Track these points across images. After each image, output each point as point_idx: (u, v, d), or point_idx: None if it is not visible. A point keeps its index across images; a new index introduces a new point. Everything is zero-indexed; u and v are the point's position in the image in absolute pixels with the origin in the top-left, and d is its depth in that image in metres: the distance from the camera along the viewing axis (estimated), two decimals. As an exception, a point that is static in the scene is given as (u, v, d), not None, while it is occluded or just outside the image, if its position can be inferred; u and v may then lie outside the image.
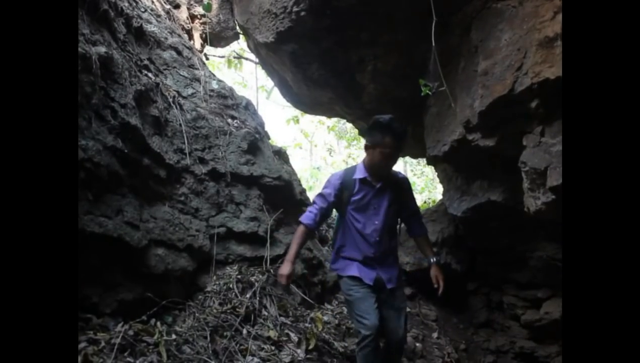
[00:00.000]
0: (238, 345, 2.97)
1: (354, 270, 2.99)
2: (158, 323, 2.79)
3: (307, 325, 3.61)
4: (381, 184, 3.04)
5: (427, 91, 3.96)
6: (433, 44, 3.56)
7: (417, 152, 6.22)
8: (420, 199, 10.76)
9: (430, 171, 10.78)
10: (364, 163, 3.07)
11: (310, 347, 3.32)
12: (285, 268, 2.89)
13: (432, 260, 3.15)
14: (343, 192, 3.03)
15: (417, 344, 4.50)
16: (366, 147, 3.04)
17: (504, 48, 3.39)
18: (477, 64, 3.70)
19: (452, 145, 4.12)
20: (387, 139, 2.90)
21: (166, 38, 4.77)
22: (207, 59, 6.76)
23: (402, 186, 3.20)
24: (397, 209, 3.14)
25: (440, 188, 5.73)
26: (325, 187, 3.11)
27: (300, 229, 3.02)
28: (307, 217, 3.03)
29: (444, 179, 5.20)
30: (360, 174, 3.03)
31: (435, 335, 4.82)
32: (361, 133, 3.32)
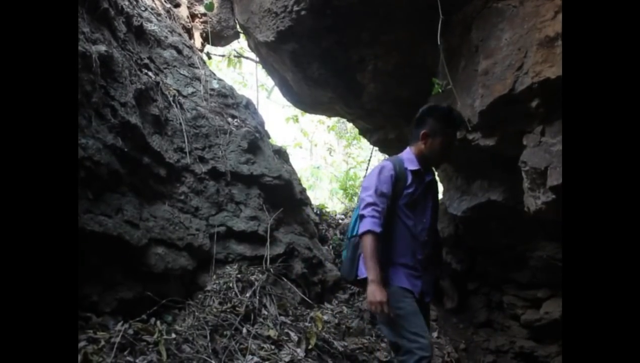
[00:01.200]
0: (238, 344, 2.97)
1: (403, 280, 2.64)
2: (158, 322, 2.79)
3: (307, 324, 3.61)
4: (430, 178, 2.85)
5: (439, 89, 3.94)
6: (439, 42, 3.55)
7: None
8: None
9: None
10: (415, 153, 2.81)
11: (310, 346, 3.32)
12: (378, 294, 2.44)
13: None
14: (396, 185, 2.67)
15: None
16: (424, 135, 2.78)
17: (504, 47, 3.39)
18: (477, 63, 3.69)
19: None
20: (449, 129, 2.80)
21: (166, 37, 4.77)
22: (210, 58, 6.75)
23: (436, 184, 3.01)
24: (435, 208, 2.90)
25: (440, 188, 5.72)
26: (381, 183, 2.65)
27: (372, 240, 2.51)
28: (373, 223, 2.52)
29: (444, 179, 5.19)
30: (412, 165, 2.75)
31: (435, 334, 4.81)
32: (419, 120, 2.89)
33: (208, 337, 2.86)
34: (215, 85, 4.91)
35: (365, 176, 2.89)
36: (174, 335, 2.75)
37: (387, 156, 8.96)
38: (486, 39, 3.60)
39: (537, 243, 4.13)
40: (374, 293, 2.45)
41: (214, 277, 3.57)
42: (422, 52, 4.18)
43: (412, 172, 2.75)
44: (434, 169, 2.93)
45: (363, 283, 2.65)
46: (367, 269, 2.51)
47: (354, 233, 2.77)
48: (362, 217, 2.58)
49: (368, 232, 2.50)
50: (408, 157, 2.82)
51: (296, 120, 9.53)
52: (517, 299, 4.67)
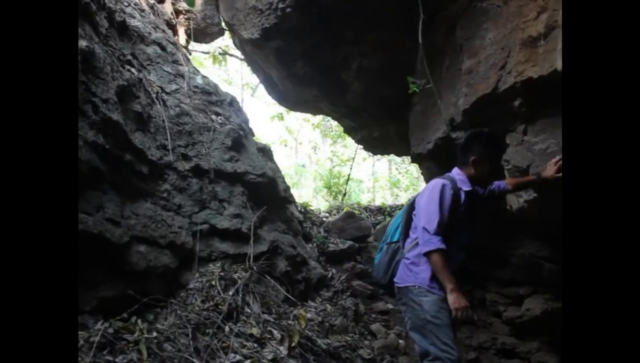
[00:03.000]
0: (220, 342, 2.95)
1: (443, 290, 2.75)
2: (139, 321, 2.76)
3: (290, 322, 3.60)
4: (476, 199, 3.04)
5: (415, 88, 3.97)
6: (420, 41, 3.57)
7: (401, 150, 6.24)
8: (404, 197, 10.82)
9: (414, 169, 10.83)
10: (466, 175, 2.99)
11: (293, 344, 3.31)
12: (462, 300, 2.65)
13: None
14: (453, 204, 2.86)
15: (400, 341, 4.52)
16: (474, 162, 2.97)
17: (488, 47, 3.41)
18: (461, 62, 3.71)
19: (437, 143, 4.13)
20: (495, 153, 3.04)
21: (150, 33, 4.72)
22: (190, 54, 6.70)
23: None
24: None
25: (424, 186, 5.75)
26: (443, 201, 2.83)
27: (442, 257, 2.70)
28: (440, 241, 2.71)
29: (428, 177, 5.21)
30: (465, 186, 2.95)
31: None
32: (466, 146, 3.09)
33: (190, 336, 2.83)
34: (199, 82, 4.87)
35: (423, 192, 3.01)
36: (155, 334, 2.72)
37: (370, 154, 9.00)
38: (470, 38, 3.62)
39: (519, 242, 4.17)
40: (458, 300, 2.65)
41: (197, 275, 3.55)
42: (406, 51, 4.20)
43: (466, 192, 2.94)
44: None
45: (402, 291, 2.90)
46: (444, 281, 2.69)
47: (395, 239, 3.05)
48: (427, 233, 2.74)
49: (438, 250, 2.70)
50: (460, 178, 2.99)
51: (281, 118, 9.50)
52: (500, 296, 4.71)
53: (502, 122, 3.43)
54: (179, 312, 3.06)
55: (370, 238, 5.92)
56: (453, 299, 2.65)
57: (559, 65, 2.76)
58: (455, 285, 2.68)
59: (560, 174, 2.88)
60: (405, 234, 3.04)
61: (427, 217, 2.79)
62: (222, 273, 3.60)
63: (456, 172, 3.04)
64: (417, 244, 2.88)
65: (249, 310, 3.46)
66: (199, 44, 7.18)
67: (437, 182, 2.95)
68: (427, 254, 2.74)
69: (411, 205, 3.08)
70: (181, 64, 4.85)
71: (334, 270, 5.29)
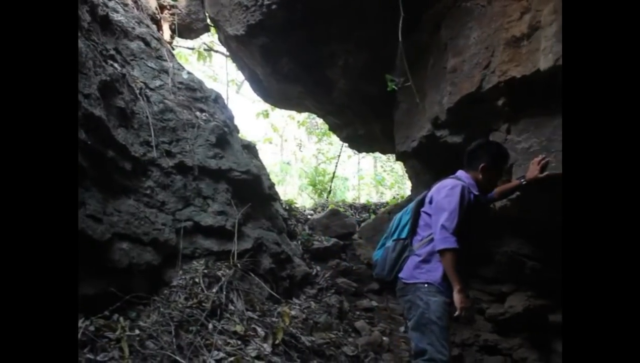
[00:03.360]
0: (203, 340, 2.94)
1: (449, 293, 2.82)
2: (121, 319, 2.73)
3: (274, 319, 3.60)
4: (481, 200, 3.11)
5: (393, 86, 3.99)
6: (400, 39, 3.59)
7: (386, 148, 6.25)
8: (389, 195, 10.85)
9: (399, 167, 10.87)
10: (475, 180, 3.05)
11: (277, 341, 3.31)
12: (469, 301, 2.78)
13: None
14: (468, 206, 2.93)
15: (385, 338, 4.54)
16: (483, 169, 3.03)
17: (472, 46, 3.43)
18: (446, 61, 3.73)
19: (421, 141, 4.15)
20: (501, 164, 3.10)
21: (133, 28, 4.67)
22: (174, 50, 6.65)
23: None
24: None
25: (409, 185, 5.78)
26: (460, 203, 2.87)
27: (455, 256, 2.77)
28: (453, 241, 2.77)
29: (412, 175, 5.24)
30: (475, 190, 3.02)
31: (402, 329, 4.86)
32: (475, 152, 3.16)
33: (173, 333, 2.82)
34: (183, 78, 4.83)
35: (439, 190, 3.01)
36: (137, 332, 2.70)
37: (356, 151, 9.02)
38: (455, 37, 3.64)
39: (502, 240, 4.20)
40: (465, 300, 2.75)
41: (180, 272, 3.52)
42: (392, 49, 4.20)
43: (475, 196, 3.01)
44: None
45: (409, 288, 2.92)
46: (454, 280, 2.76)
47: (403, 236, 3.07)
48: (446, 231, 2.78)
49: (454, 249, 2.75)
50: (470, 182, 3.04)
51: (266, 115, 9.45)
52: (483, 294, 4.75)
53: (486, 121, 3.46)
54: (162, 309, 3.04)
55: (355, 236, 5.93)
56: (460, 299, 2.73)
57: (541, 65, 2.79)
58: (463, 286, 2.75)
59: (545, 174, 2.91)
60: (414, 231, 3.06)
61: (448, 216, 2.82)
62: (205, 271, 3.59)
63: (465, 176, 3.08)
64: (428, 242, 2.93)
65: (232, 308, 3.45)
66: (183, 40, 7.12)
67: (456, 182, 2.99)
68: (442, 251, 2.78)
69: (420, 203, 3.10)
70: (165, 60, 4.81)
71: (318, 268, 5.29)
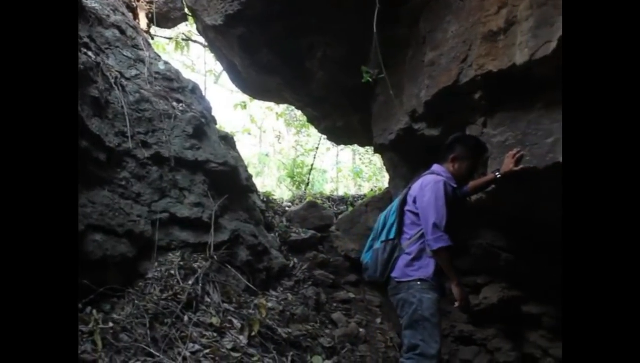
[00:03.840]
0: (179, 332, 2.92)
1: (440, 290, 2.94)
2: (94, 311, 2.70)
3: (250, 311, 3.60)
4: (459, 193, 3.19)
5: (368, 78, 4.00)
6: (374, 31, 3.59)
7: (364, 141, 6.26)
8: (367, 187, 10.89)
9: (378, 159, 10.91)
10: (450, 173, 3.12)
11: (253, 333, 3.31)
12: (465, 293, 2.94)
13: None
14: (451, 200, 3.00)
15: (361, 329, 4.57)
16: (453, 159, 3.12)
17: (450, 40, 3.45)
18: (424, 54, 3.74)
19: (398, 133, 4.17)
20: (475, 155, 3.15)
21: (108, 15, 4.58)
22: (152, 38, 6.55)
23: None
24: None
25: (387, 177, 5.81)
26: (442, 199, 2.92)
27: (450, 255, 2.87)
28: (446, 238, 2.83)
29: (390, 168, 5.27)
30: (452, 183, 3.08)
31: (378, 320, 4.90)
32: (449, 145, 3.25)
33: (147, 325, 2.79)
34: (160, 68, 4.76)
35: (422, 189, 3.02)
36: (111, 324, 2.67)
37: (334, 144, 9.02)
38: (433, 30, 3.65)
39: (477, 232, 4.25)
40: (462, 293, 2.91)
41: (156, 264, 3.49)
42: (371, 42, 4.20)
43: (453, 188, 3.07)
44: None
45: (403, 286, 2.95)
46: (451, 276, 2.89)
47: (392, 237, 3.08)
48: (438, 230, 2.84)
49: (447, 247, 2.83)
50: (447, 175, 3.10)
51: (244, 106, 9.38)
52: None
53: (462, 114, 3.48)
54: (136, 301, 3.01)
55: (333, 228, 5.94)
56: (459, 291, 2.88)
57: (517, 59, 2.81)
58: (459, 280, 2.91)
59: (519, 167, 2.95)
60: (401, 231, 3.08)
61: (437, 213, 2.86)
62: (181, 263, 3.56)
63: (441, 169, 3.14)
64: (417, 239, 2.98)
65: (208, 300, 3.43)
66: (160, 29, 7.02)
67: (437, 178, 3.03)
68: (437, 250, 2.84)
69: (403, 202, 3.12)
70: (141, 49, 4.74)
71: (295, 260, 5.29)
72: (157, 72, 4.68)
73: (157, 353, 2.62)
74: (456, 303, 2.89)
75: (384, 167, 6.05)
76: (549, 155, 2.76)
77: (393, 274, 3.01)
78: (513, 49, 2.87)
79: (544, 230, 3.46)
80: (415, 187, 3.08)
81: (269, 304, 3.97)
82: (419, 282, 2.88)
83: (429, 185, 2.98)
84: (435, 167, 3.18)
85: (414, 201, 3.02)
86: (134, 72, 4.38)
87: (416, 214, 3.00)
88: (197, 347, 2.87)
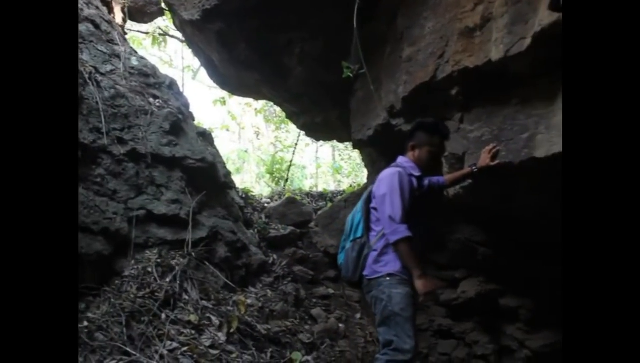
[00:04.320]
0: (156, 330, 2.89)
1: (411, 283, 2.81)
2: (69, 310, 2.66)
3: (229, 308, 3.58)
4: (426, 183, 3.11)
5: (349, 73, 4.00)
6: (355, 26, 3.59)
7: (343, 136, 6.28)
8: (346, 183, 10.92)
9: (357, 155, 10.94)
10: (413, 162, 3.06)
11: (232, 329, 3.29)
12: (430, 284, 2.76)
13: None
14: (411, 190, 2.91)
15: (340, 325, 4.58)
16: (411, 147, 3.07)
17: (427, 35, 3.46)
18: (401, 50, 3.76)
19: (377, 129, 4.18)
20: (434, 139, 3.06)
21: (81, 9, 4.50)
22: (126, 33, 6.45)
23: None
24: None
25: (366, 173, 5.83)
26: (403, 189, 2.86)
27: (409, 244, 2.76)
28: (402, 229, 2.75)
29: (368, 163, 5.29)
30: (416, 172, 3.01)
31: (358, 315, 4.92)
32: (410, 133, 3.19)
33: (123, 324, 2.76)
34: (135, 63, 4.70)
35: (379, 183, 2.98)
36: (86, 323, 2.63)
37: (313, 139, 9.01)
38: (410, 26, 3.67)
39: (455, 226, 4.29)
40: (426, 285, 2.73)
41: (132, 262, 3.45)
42: (349, 37, 4.20)
43: (416, 177, 3.00)
44: None
45: (372, 283, 2.90)
46: (412, 267, 2.76)
47: (359, 235, 3.03)
48: (394, 222, 2.77)
49: (406, 238, 2.74)
50: (409, 165, 3.05)
51: (223, 102, 9.32)
52: (436, 280, 4.86)
53: (439, 110, 3.50)
54: (112, 300, 2.97)
55: (312, 224, 5.94)
56: (421, 284, 2.73)
57: (493, 55, 2.84)
58: (422, 270, 2.75)
59: (495, 162, 2.98)
60: (368, 228, 3.02)
61: (392, 206, 2.81)
62: (159, 260, 3.52)
63: (403, 160, 3.10)
64: (382, 235, 2.90)
65: (186, 297, 3.41)
66: (136, 24, 6.92)
67: (392, 170, 2.98)
68: (395, 243, 2.77)
69: (367, 199, 3.08)
70: (117, 44, 4.66)
71: (274, 256, 5.27)
72: (132, 68, 4.61)
73: (134, 352, 2.59)
74: (420, 298, 2.77)
75: (363, 163, 6.06)
76: (524, 150, 2.79)
77: (364, 272, 2.97)
78: (489, 45, 2.90)
79: (521, 225, 3.52)
80: (375, 182, 3.06)
81: (248, 301, 3.96)
82: (387, 278, 2.84)
83: (384, 179, 2.96)
84: (399, 158, 3.15)
85: (375, 196, 2.99)
86: (109, 67, 4.31)
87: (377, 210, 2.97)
88: (174, 344, 2.85)
